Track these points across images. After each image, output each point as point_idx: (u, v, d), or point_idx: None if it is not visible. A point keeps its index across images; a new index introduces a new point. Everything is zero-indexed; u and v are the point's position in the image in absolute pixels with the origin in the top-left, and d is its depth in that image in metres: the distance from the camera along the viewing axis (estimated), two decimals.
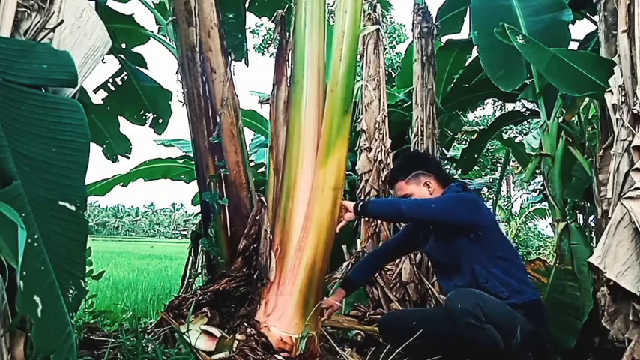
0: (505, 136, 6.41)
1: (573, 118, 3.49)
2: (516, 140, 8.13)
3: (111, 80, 4.14)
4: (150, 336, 2.21)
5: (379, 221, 3.74)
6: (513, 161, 8.84)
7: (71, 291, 1.31)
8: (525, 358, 2.08)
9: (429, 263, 3.44)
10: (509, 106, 9.69)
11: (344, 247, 4.20)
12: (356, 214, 2.29)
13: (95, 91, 4.11)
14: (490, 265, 2.16)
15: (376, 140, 3.97)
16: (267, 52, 17.57)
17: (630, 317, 1.88)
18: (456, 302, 1.98)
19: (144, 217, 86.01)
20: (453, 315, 1.96)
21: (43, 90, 1.40)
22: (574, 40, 3.54)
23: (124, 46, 4.14)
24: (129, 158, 4.52)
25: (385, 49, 4.42)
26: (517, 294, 2.12)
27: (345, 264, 3.76)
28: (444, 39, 4.87)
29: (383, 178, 3.88)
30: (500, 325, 1.97)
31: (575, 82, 2.50)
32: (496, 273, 2.15)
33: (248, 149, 4.18)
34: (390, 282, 3.51)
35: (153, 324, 2.67)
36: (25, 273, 1.15)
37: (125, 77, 4.16)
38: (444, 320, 2.01)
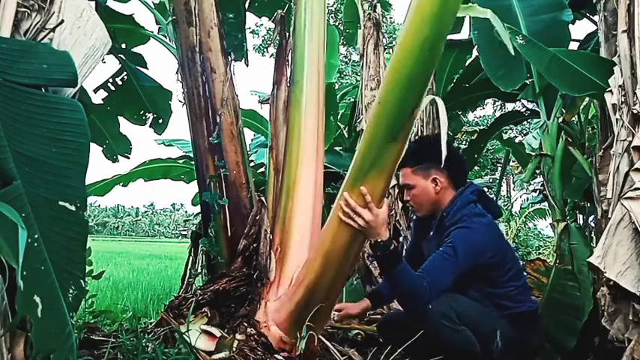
0: (505, 136, 6.41)
1: (573, 118, 3.49)
2: (516, 140, 8.13)
3: (111, 80, 4.13)
4: (150, 336, 2.21)
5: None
6: (513, 161, 8.84)
7: (71, 291, 1.31)
8: None
9: None
10: (510, 106, 9.69)
11: None
12: (373, 249, 1.91)
13: (95, 91, 4.10)
14: (487, 292, 2.10)
15: None
16: (267, 52, 17.59)
17: (630, 317, 1.87)
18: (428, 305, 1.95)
19: (144, 217, 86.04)
20: (427, 317, 1.93)
21: (43, 90, 1.40)
22: (574, 40, 3.53)
23: (124, 46, 4.14)
24: (129, 158, 4.51)
25: (385, 49, 4.42)
26: (508, 311, 2.10)
27: None
28: None
29: None
30: (477, 328, 1.94)
31: (575, 82, 2.50)
32: (491, 296, 2.10)
33: (248, 149, 4.17)
34: None
35: (153, 324, 2.67)
36: (25, 273, 1.15)
37: (125, 77, 4.15)
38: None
